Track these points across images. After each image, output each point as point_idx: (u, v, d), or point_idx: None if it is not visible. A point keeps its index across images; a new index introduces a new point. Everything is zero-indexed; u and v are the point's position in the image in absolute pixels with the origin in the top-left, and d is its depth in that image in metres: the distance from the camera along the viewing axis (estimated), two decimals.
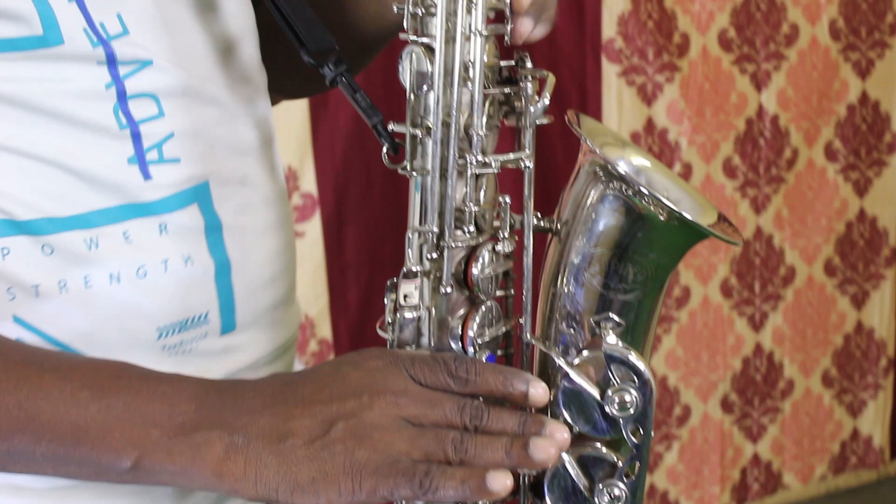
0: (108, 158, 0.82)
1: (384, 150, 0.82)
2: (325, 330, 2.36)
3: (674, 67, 2.55)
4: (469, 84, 0.79)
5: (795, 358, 2.81)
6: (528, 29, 0.83)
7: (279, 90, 1.03)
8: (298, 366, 0.98)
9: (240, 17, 0.93)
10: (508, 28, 0.82)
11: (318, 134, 2.27)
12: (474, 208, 0.79)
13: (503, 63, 0.82)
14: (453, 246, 0.79)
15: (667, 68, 2.54)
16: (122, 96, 0.83)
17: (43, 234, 0.81)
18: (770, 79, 2.65)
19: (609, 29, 2.48)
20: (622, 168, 0.79)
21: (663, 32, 2.53)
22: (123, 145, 0.83)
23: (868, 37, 2.73)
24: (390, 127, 0.82)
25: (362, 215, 2.35)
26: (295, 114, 2.23)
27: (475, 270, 0.79)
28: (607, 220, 0.80)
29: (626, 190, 0.79)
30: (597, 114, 2.49)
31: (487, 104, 0.80)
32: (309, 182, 2.29)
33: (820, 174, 2.75)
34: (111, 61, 0.82)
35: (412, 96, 0.80)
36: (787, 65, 2.66)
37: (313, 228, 2.31)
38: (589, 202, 0.80)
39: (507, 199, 0.81)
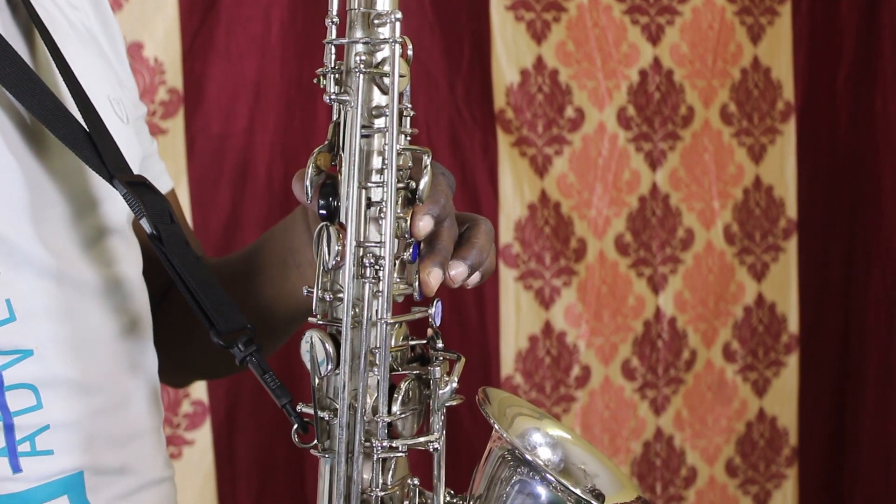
0: None
1: (294, 429, 0.82)
2: None
3: (571, 272, 2.56)
4: (375, 369, 0.79)
5: None
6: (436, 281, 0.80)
7: (195, 371, 1.02)
8: None
9: (146, 302, 0.91)
10: (416, 314, 0.81)
11: None
12: (380, 493, 0.79)
13: (414, 342, 0.82)
14: None
15: (564, 272, 2.55)
16: None
17: None
18: (667, 282, 2.66)
19: (506, 234, 2.49)
20: (530, 456, 0.80)
21: (560, 238, 2.54)
22: None
23: (762, 241, 2.77)
24: (299, 408, 0.82)
25: (254, 423, 2.29)
26: None
27: None
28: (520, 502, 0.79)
29: (534, 476, 0.79)
30: (494, 318, 2.47)
31: (405, 386, 0.80)
32: (199, 389, 2.23)
33: (719, 374, 2.75)
34: None
35: (316, 379, 0.80)
36: (683, 268, 2.68)
37: (203, 437, 2.24)
38: (500, 484, 0.80)
39: (416, 482, 0.80)
